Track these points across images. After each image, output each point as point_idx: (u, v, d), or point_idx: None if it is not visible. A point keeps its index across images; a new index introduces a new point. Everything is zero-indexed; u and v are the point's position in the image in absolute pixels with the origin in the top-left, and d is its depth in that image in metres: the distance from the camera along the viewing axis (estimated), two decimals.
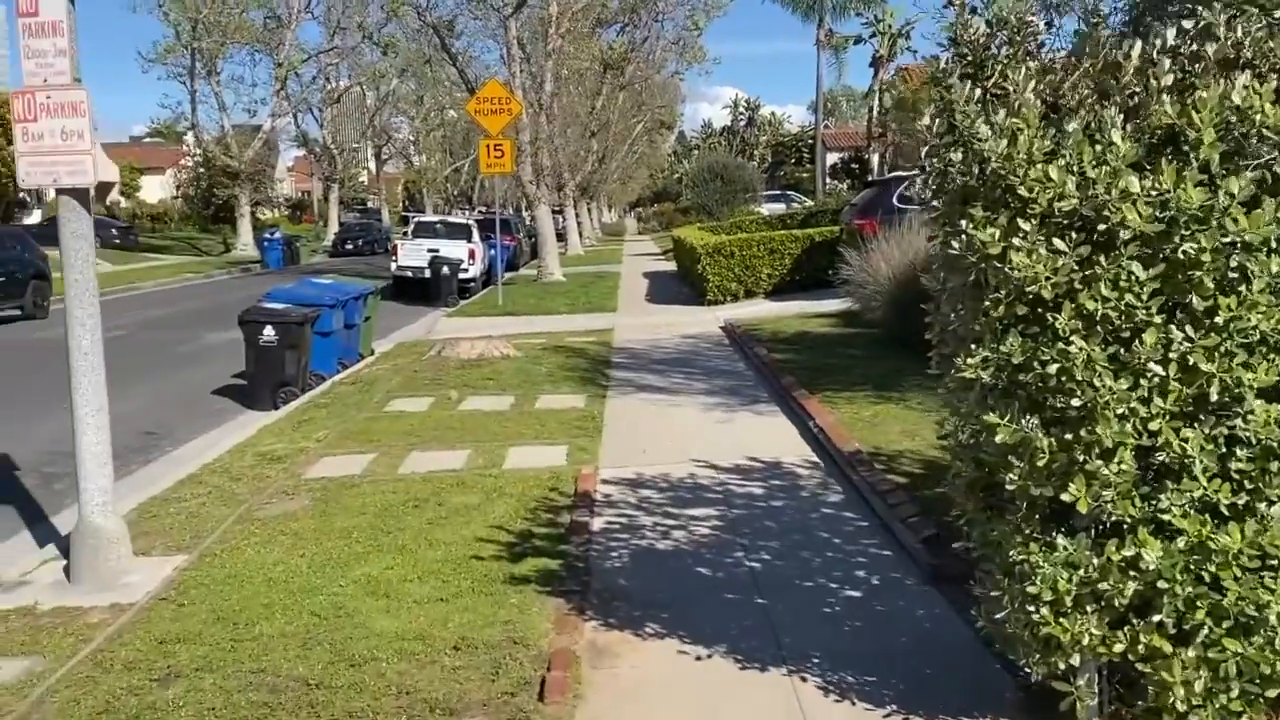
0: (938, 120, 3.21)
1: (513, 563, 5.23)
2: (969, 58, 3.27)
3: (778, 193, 45.15)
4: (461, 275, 21.87)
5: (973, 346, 3.12)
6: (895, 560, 5.11)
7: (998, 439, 3.04)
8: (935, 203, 3.28)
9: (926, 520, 5.30)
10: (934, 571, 4.83)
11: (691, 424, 8.30)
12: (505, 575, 5.05)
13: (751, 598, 4.75)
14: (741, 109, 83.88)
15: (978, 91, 3.12)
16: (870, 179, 18.13)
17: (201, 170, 51.08)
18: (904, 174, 16.07)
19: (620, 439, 7.86)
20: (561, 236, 37.62)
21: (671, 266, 27.56)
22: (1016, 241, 2.92)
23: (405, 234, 24.59)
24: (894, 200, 15.36)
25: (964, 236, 3.02)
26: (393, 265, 22.41)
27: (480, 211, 50.89)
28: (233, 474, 7.26)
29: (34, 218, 42.19)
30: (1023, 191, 2.93)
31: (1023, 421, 3.03)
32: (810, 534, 5.53)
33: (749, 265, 17.55)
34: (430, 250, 22.00)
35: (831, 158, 48.92)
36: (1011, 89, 3.09)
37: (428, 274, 21.52)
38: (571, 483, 6.62)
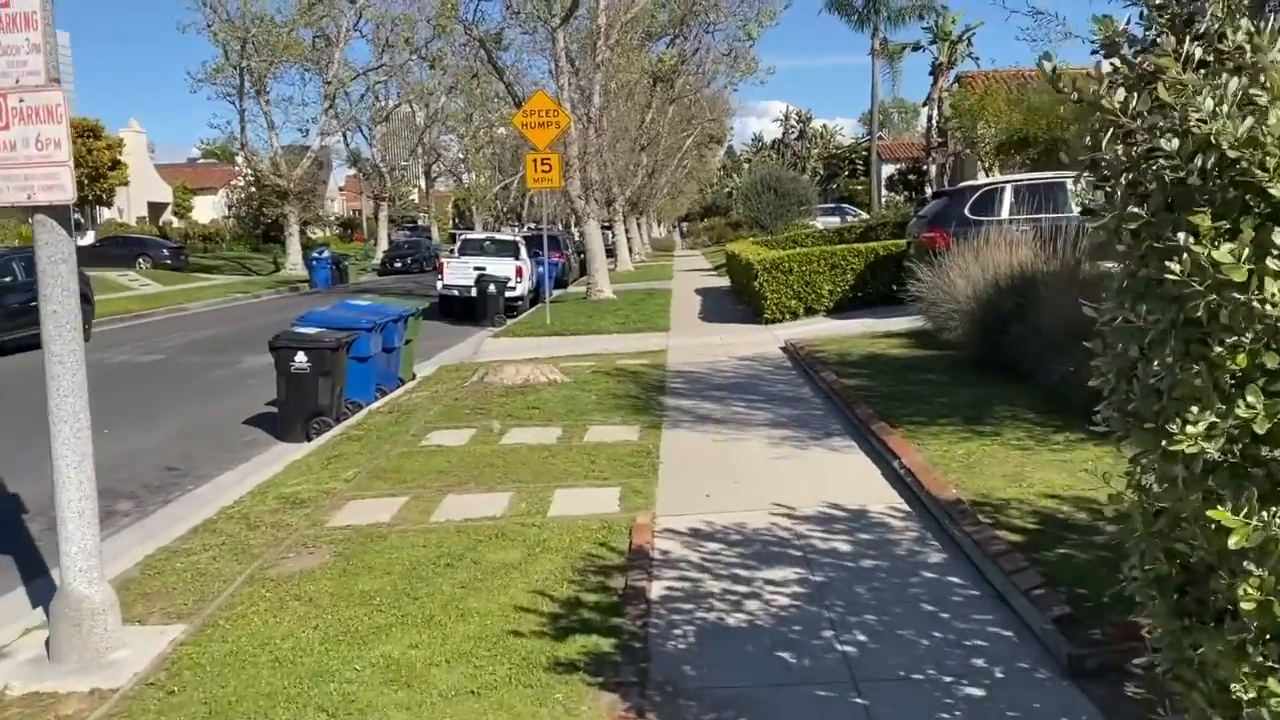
0: (1132, 96, 2.34)
1: (557, 640, 4.42)
2: (1171, 7, 2.40)
3: (832, 206, 44.13)
4: (508, 294, 21.22)
5: (1192, 409, 2.23)
6: (1020, 645, 4.21)
7: (1231, 542, 2.16)
8: (1131, 209, 2.40)
9: (1054, 593, 4.40)
10: (1073, 663, 3.93)
11: (758, 461, 7.45)
12: (548, 659, 4.24)
13: (847, 695, 3.89)
14: (793, 122, 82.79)
15: (1197, 51, 2.25)
16: (939, 189, 17.15)
17: (253, 190, 51.30)
18: (977, 184, 15.08)
19: (679, 479, 7.03)
20: (611, 252, 37.02)
21: (724, 282, 26.72)
22: (1272, 264, 2.04)
23: (452, 252, 24.04)
24: (966, 211, 14.39)
25: (1184, 255, 2.15)
26: (439, 284, 21.84)
27: (530, 228, 50.54)
28: (251, 521, 6.55)
29: (88, 239, 42.52)
30: (1278, 191, 2.06)
31: (1265, 516, 2.15)
32: (912, 607, 4.65)
33: (809, 281, 16.65)
34: (477, 268, 21.39)
35: (886, 169, 47.74)
36: (1245, 46, 2.21)
37: (474, 293, 20.90)
38: (625, 534, 5.81)
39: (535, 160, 18.10)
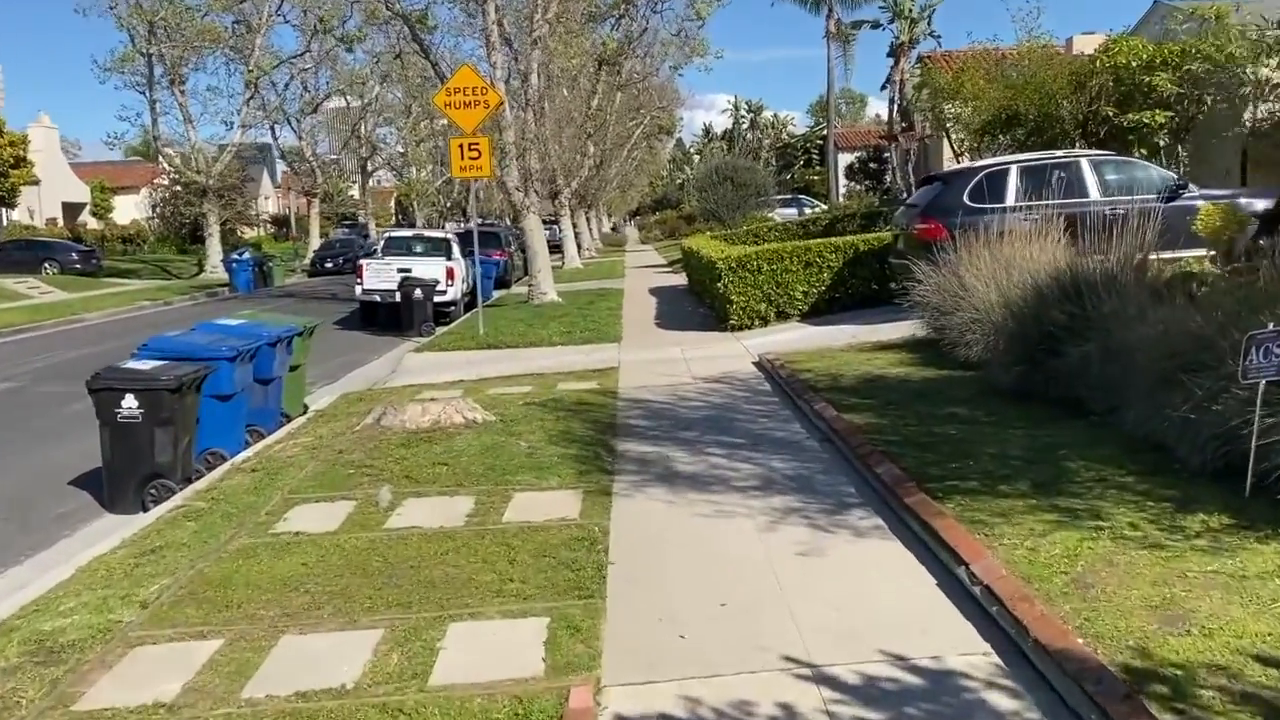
0: None
1: None
2: None
3: (789, 197, 42.03)
4: (438, 299, 18.72)
5: None
6: None
7: None
8: None
9: None
10: None
11: (753, 559, 5.15)
12: None
13: None
14: (743, 112, 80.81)
15: None
16: (929, 174, 15.05)
17: (178, 189, 47.99)
18: (976, 166, 12.95)
19: (637, 599, 4.72)
20: (557, 249, 34.58)
21: (679, 280, 24.46)
22: None
23: (375, 251, 21.47)
24: (966, 198, 12.23)
25: None
26: (358, 288, 19.27)
27: (478, 223, 47.61)
28: None
29: None
30: None
31: None
32: None
33: (780, 282, 14.43)
34: (401, 270, 18.87)
35: (843, 159, 45.75)
36: None
37: (398, 298, 18.38)
38: None
39: (461, 145, 15.66)
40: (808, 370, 9.94)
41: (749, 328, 14.41)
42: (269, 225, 67.34)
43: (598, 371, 11.71)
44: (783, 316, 14.57)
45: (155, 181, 53.26)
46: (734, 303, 14.37)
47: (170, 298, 30.29)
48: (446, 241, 20.88)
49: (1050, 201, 11.47)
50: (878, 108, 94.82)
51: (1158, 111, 14.58)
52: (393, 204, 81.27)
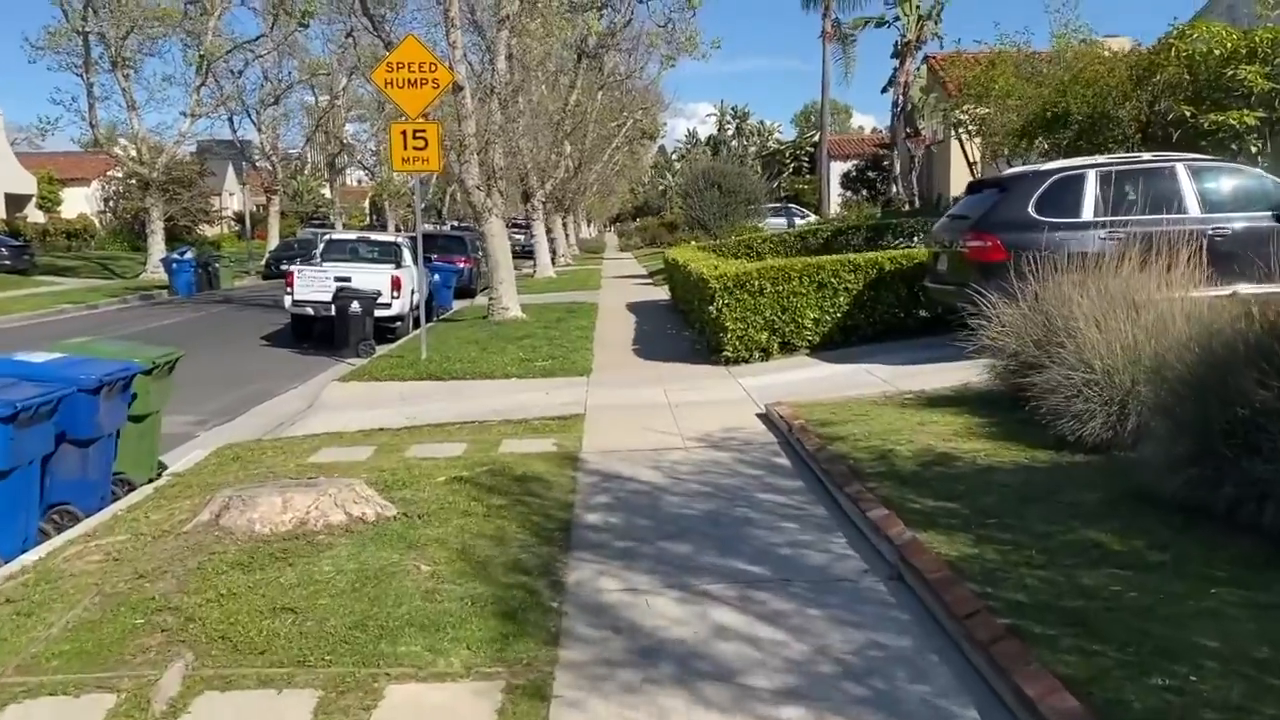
0: None
1: None
2: None
3: (779, 205, 39.47)
4: (380, 313, 15.98)
5: None
6: None
7: None
8: None
9: None
10: None
11: None
12: None
13: None
14: (728, 118, 78.23)
15: None
16: (979, 179, 12.51)
17: (132, 182, 44.89)
18: (1044, 169, 10.36)
19: None
20: (529, 255, 31.88)
21: (661, 295, 21.82)
22: None
23: (313, 257, 18.69)
24: (1031, 209, 9.63)
25: None
26: (287, 299, 16.47)
27: (453, 226, 44.85)
28: None
29: None
30: None
31: None
32: None
33: (786, 306, 11.79)
34: (338, 279, 16.09)
35: (835, 167, 43.24)
36: None
37: (334, 311, 15.63)
38: None
39: (405, 132, 12.94)
40: (839, 437, 7.29)
41: (746, 360, 11.79)
42: (233, 223, 64.16)
43: (557, 422, 9.03)
44: (788, 348, 11.94)
45: (108, 174, 50.12)
46: (730, 330, 11.73)
47: (98, 300, 27.30)
48: (395, 246, 18.15)
49: (1142, 216, 8.92)
50: (861, 120, 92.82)
51: (1245, 111, 12.05)
52: (366, 204, 78.28)
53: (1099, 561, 4.50)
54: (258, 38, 35.84)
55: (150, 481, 7.58)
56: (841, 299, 11.95)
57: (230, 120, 42.43)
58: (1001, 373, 7.74)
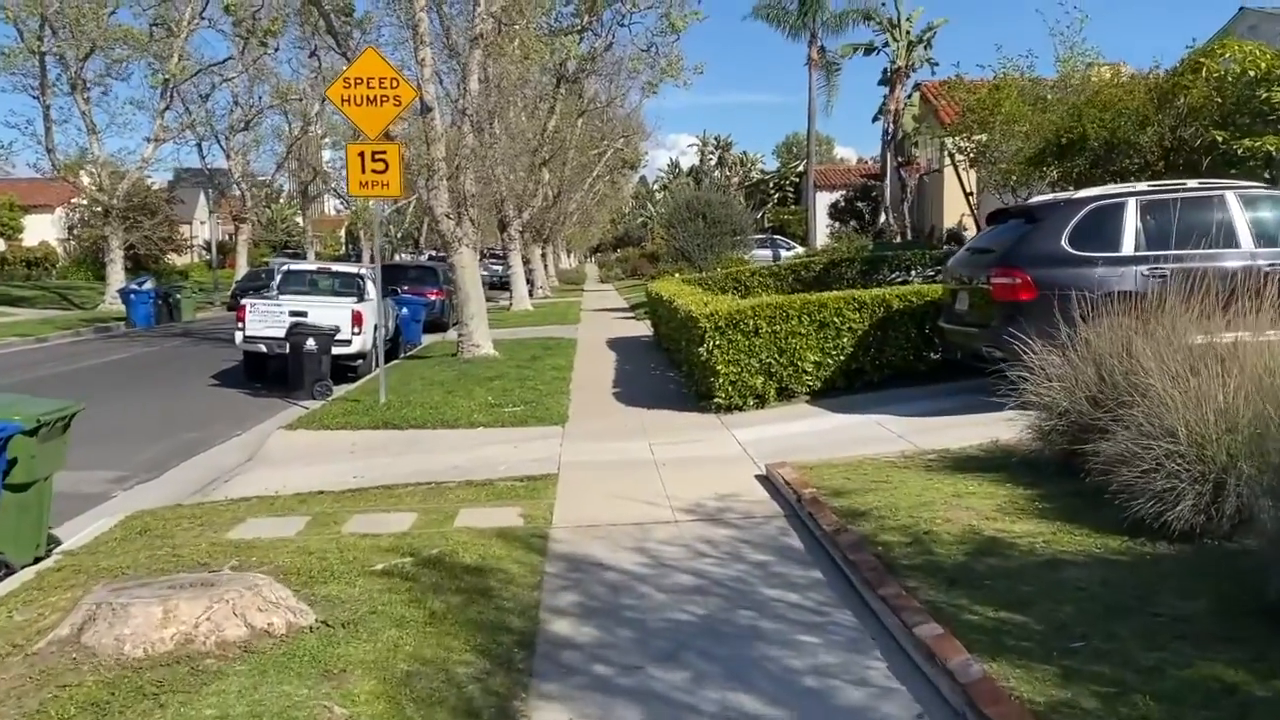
0: None
1: None
2: None
3: (764, 237, 38.49)
4: (339, 350, 14.70)
5: None
6: None
7: None
8: None
9: None
10: None
11: None
12: None
13: None
14: (710, 148, 77.66)
15: None
16: (1002, 208, 11.39)
17: (98, 209, 43.46)
18: (1077, 197, 9.26)
19: None
20: (505, 287, 30.71)
21: (643, 329, 20.66)
22: None
23: (269, 289, 17.41)
24: (1064, 242, 8.53)
25: None
26: (238, 335, 15.16)
27: (430, 256, 43.60)
28: None
29: None
30: None
31: None
32: None
33: (784, 348, 10.62)
34: (294, 314, 14.82)
35: (821, 198, 42.38)
36: None
37: (288, 349, 14.34)
38: None
39: (363, 154, 11.75)
40: (860, 512, 6.09)
41: (740, 408, 10.59)
42: (204, 252, 62.68)
43: (525, 484, 7.80)
44: (785, 395, 10.76)
45: (72, 200, 48.67)
46: (721, 375, 10.53)
47: (49, 334, 25.81)
48: (358, 279, 16.86)
49: (1191, 250, 7.82)
50: (843, 151, 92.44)
51: None
52: (343, 233, 76.98)
53: (1242, 717, 3.31)
54: (225, 60, 34.68)
55: (37, 561, 6.30)
56: (845, 340, 10.79)
57: (199, 146, 41.25)
58: (1048, 434, 6.58)
